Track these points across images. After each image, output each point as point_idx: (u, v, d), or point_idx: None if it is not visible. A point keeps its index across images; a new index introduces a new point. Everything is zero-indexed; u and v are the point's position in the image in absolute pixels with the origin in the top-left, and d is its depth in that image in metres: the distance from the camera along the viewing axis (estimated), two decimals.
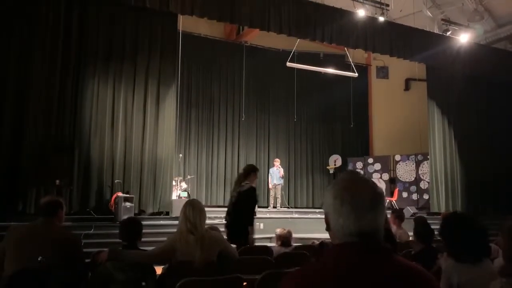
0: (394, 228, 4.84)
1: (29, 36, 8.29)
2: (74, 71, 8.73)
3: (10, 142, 7.98)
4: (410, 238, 4.75)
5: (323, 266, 1.16)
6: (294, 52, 11.88)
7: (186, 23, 10.74)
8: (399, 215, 5.05)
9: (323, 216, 1.24)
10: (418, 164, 13.67)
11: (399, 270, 1.14)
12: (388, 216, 5.33)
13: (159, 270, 3.22)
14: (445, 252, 2.63)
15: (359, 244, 1.14)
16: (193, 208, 3.17)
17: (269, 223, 8.73)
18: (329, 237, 1.24)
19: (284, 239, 4.90)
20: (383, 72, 15.58)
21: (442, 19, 12.12)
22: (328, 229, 1.21)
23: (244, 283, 2.98)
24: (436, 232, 3.44)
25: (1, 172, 7.82)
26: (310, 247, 4.38)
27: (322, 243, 3.51)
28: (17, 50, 8.20)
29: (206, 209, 3.32)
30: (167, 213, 9.24)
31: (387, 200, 12.56)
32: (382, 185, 13.87)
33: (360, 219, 1.15)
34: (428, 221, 5.17)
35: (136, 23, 9.42)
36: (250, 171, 5.01)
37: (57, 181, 7.84)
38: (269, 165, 13.40)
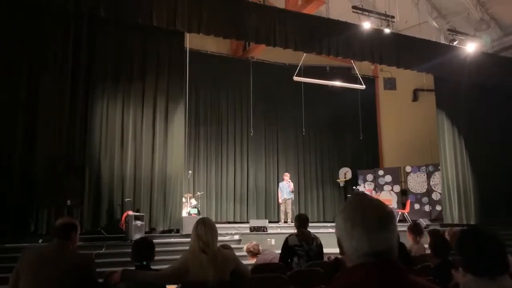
0: (410, 242, 4.77)
1: (39, 57, 8.41)
2: (83, 91, 8.81)
3: (21, 163, 8.04)
4: (427, 252, 4.66)
5: None
6: (300, 66, 11.92)
7: (193, 41, 10.86)
8: (413, 229, 4.96)
9: (334, 231, 1.25)
10: (429, 175, 13.54)
11: None
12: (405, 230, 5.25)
13: None
14: (461, 267, 2.57)
15: (373, 264, 1.14)
16: (205, 226, 3.14)
17: (281, 238, 8.62)
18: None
19: (254, 250, 5.36)
20: (390, 83, 15.56)
21: (448, 29, 12.11)
22: (342, 253, 1.22)
23: None
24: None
25: (13, 193, 7.86)
26: (324, 263, 4.32)
27: (337, 259, 3.46)
28: (27, 72, 8.31)
29: (216, 225, 3.29)
30: (178, 231, 9.21)
31: (399, 213, 12.42)
32: (393, 197, 13.74)
33: (372, 240, 1.15)
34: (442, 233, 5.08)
35: (143, 42, 9.52)
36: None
37: (68, 201, 7.86)
38: (279, 179, 13.36)
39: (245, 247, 5.58)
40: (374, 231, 1.15)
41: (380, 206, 1.20)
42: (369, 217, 1.17)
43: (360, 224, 1.16)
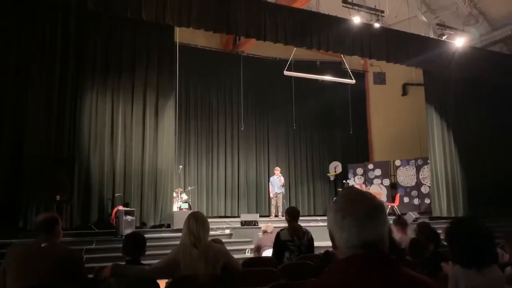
0: (398, 235, 4.82)
1: (27, 50, 8.31)
2: (72, 85, 8.74)
3: (9, 158, 7.95)
4: None
5: (330, 282, 1.16)
6: (291, 60, 11.92)
7: (182, 35, 10.78)
8: (399, 222, 5.03)
9: (326, 224, 1.26)
10: (418, 168, 13.66)
11: (406, 282, 1.14)
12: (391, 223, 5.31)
13: (162, 284, 3.18)
14: (450, 259, 2.61)
15: (363, 255, 1.15)
16: (197, 220, 3.14)
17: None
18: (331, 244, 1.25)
19: (269, 230, 6.30)
20: (380, 78, 15.62)
21: (437, 24, 12.19)
22: (334, 246, 1.22)
23: None
24: (441, 237, 3.42)
25: (1, 188, 7.78)
26: (315, 256, 4.35)
27: (327, 252, 3.48)
28: (15, 65, 8.21)
29: (207, 220, 3.29)
30: (169, 226, 9.19)
31: (389, 206, 12.52)
32: (383, 191, 13.85)
33: (363, 231, 1.16)
34: (431, 226, 5.13)
35: (133, 36, 9.45)
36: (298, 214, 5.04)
37: (57, 196, 7.81)
38: (270, 174, 13.38)
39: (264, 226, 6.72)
40: (364, 222, 1.16)
41: (370, 198, 1.21)
42: (359, 208, 1.17)
43: (350, 215, 1.17)
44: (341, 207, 1.20)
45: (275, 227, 6.21)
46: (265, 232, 6.50)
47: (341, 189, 13.89)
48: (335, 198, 1.28)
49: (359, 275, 1.11)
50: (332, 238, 1.23)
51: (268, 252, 5.80)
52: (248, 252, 7.90)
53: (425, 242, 3.56)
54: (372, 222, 1.17)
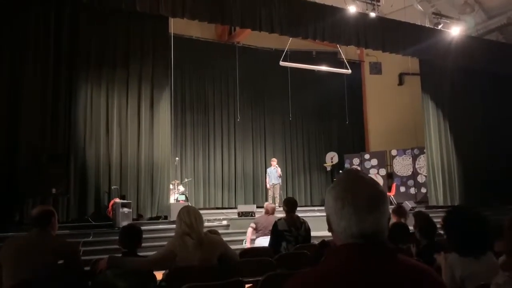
0: None
1: (20, 45, 8.23)
2: (67, 79, 8.68)
3: (5, 152, 7.92)
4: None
5: (325, 268, 1.14)
6: (286, 51, 11.86)
7: (177, 26, 10.70)
8: (397, 210, 5.02)
9: (323, 214, 1.23)
10: (414, 158, 13.70)
11: (404, 271, 1.11)
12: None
13: (159, 276, 3.19)
14: (444, 250, 2.61)
15: (361, 245, 1.12)
16: (189, 212, 3.15)
17: None
18: (330, 235, 1.22)
19: (271, 210, 6.27)
20: (376, 68, 15.60)
21: (433, 13, 12.14)
22: (330, 230, 1.19)
23: (247, 286, 2.95)
24: (438, 226, 3.43)
25: None
26: (312, 246, 4.37)
27: (323, 242, 3.50)
28: (8, 59, 8.14)
29: (204, 211, 3.32)
30: (166, 217, 9.19)
31: None
32: (379, 181, 13.88)
33: (362, 221, 1.12)
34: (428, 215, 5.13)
35: (127, 27, 9.37)
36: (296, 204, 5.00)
37: (54, 190, 7.78)
38: (266, 165, 13.39)
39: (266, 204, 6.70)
40: (364, 212, 1.11)
41: (372, 185, 1.16)
42: (359, 197, 1.13)
43: (350, 204, 1.12)
44: (340, 194, 1.15)
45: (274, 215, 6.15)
46: (266, 212, 6.31)
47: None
48: (334, 182, 1.21)
49: (357, 265, 1.09)
50: (329, 223, 1.20)
51: (260, 240, 5.83)
52: (245, 243, 7.92)
53: (420, 231, 3.57)
54: (372, 212, 1.12)
